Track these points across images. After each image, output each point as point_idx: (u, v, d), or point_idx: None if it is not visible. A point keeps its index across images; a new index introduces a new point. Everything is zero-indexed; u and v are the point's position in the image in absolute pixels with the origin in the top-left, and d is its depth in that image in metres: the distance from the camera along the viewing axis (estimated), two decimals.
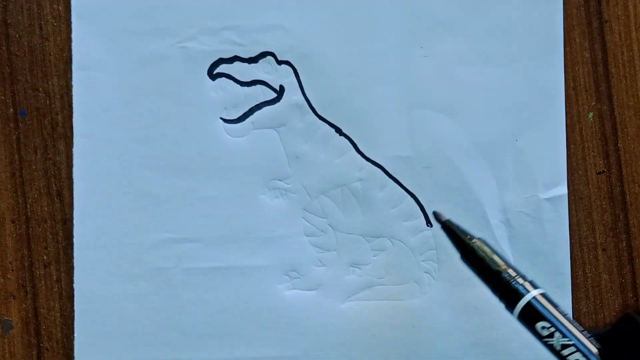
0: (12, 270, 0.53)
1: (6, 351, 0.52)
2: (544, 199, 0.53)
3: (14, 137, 0.53)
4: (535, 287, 0.45)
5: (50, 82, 0.53)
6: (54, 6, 0.53)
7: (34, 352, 0.52)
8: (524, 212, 0.53)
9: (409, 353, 0.52)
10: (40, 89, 0.53)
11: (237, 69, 0.53)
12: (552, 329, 0.44)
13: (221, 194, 0.53)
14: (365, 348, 0.52)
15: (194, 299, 0.52)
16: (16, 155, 0.53)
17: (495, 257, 0.46)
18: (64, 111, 0.53)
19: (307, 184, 0.53)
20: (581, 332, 0.44)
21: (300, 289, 0.53)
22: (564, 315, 0.44)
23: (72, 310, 0.52)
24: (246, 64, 0.53)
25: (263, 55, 0.53)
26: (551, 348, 0.44)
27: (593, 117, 0.53)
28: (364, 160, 0.53)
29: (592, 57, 0.53)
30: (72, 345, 0.52)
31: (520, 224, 0.53)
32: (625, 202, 0.53)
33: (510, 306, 0.45)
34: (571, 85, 0.53)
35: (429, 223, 0.53)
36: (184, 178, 0.53)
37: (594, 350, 0.43)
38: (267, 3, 0.53)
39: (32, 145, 0.53)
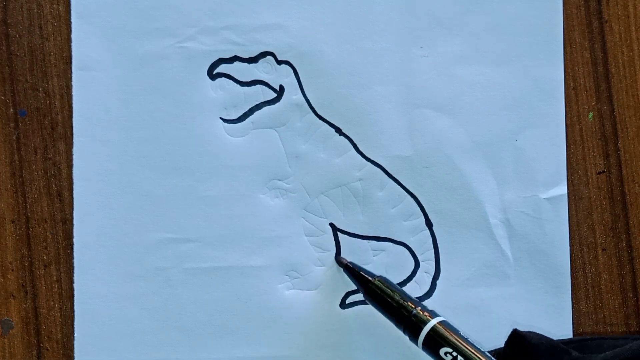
0: (12, 270, 0.53)
1: (6, 351, 0.52)
2: (544, 198, 0.53)
3: (14, 137, 0.53)
4: (435, 316, 0.48)
5: (50, 82, 0.53)
6: (54, 6, 0.53)
7: (34, 352, 0.52)
8: (523, 212, 0.53)
9: (409, 353, 0.52)
10: (40, 89, 0.53)
11: (237, 69, 0.53)
12: (455, 354, 0.47)
13: (221, 193, 0.53)
14: (365, 348, 0.52)
15: (194, 298, 0.52)
16: (16, 155, 0.53)
17: (396, 292, 0.49)
18: (64, 111, 0.53)
19: (307, 183, 0.53)
20: (483, 353, 0.47)
21: (300, 289, 0.53)
22: (465, 340, 0.47)
23: (72, 310, 0.52)
24: (246, 64, 0.53)
25: (263, 55, 0.53)
26: None
27: (593, 117, 0.53)
28: (363, 159, 0.53)
29: (592, 57, 0.53)
30: (72, 345, 0.52)
31: (520, 224, 0.53)
32: (625, 202, 0.53)
33: (414, 336, 0.48)
34: (571, 85, 0.53)
35: (428, 223, 0.53)
36: (184, 178, 0.53)
37: None
38: (267, 3, 0.53)
39: (32, 145, 0.53)
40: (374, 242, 0.53)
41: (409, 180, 0.53)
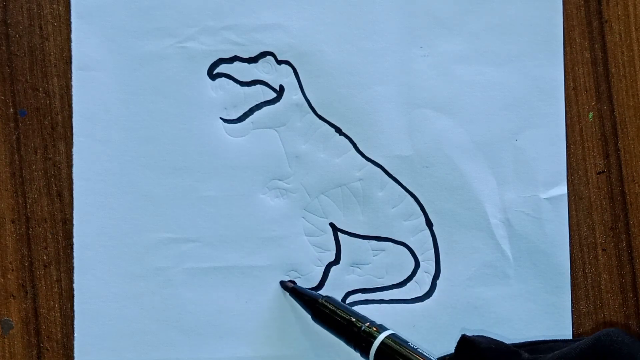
0: (12, 270, 0.53)
1: (6, 351, 0.52)
2: (544, 198, 0.53)
3: (14, 137, 0.53)
4: (384, 330, 0.49)
5: (50, 82, 0.53)
6: (54, 6, 0.53)
7: (34, 352, 0.52)
8: (524, 212, 0.53)
9: None
10: (40, 89, 0.53)
11: (237, 69, 0.53)
12: None
13: (221, 193, 0.53)
14: None
15: (194, 298, 0.52)
16: (16, 155, 0.53)
17: (343, 310, 0.50)
18: (64, 111, 0.53)
19: (307, 183, 0.53)
20: None
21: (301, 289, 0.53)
22: (415, 350, 0.48)
23: (72, 310, 0.52)
24: (246, 64, 0.53)
25: (263, 55, 0.53)
26: None
27: (593, 117, 0.53)
28: (363, 159, 0.53)
29: (592, 57, 0.53)
30: (72, 345, 0.52)
31: (520, 224, 0.53)
32: (625, 202, 0.53)
33: (365, 353, 0.48)
34: (571, 85, 0.53)
35: (429, 223, 0.53)
36: (184, 178, 0.53)
37: None
38: (267, 3, 0.53)
39: (32, 145, 0.53)
40: (374, 242, 0.53)
41: (409, 180, 0.53)
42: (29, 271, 0.53)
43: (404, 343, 0.48)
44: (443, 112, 0.53)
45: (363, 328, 0.49)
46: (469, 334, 0.49)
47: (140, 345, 0.52)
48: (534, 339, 0.51)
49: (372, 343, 0.48)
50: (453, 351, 0.49)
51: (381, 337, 0.48)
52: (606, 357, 0.46)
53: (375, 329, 0.49)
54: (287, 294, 0.52)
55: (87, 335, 0.52)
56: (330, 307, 0.50)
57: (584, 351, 0.46)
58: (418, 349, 0.48)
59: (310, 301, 0.51)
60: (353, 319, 0.49)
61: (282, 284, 0.52)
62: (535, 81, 0.53)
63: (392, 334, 0.48)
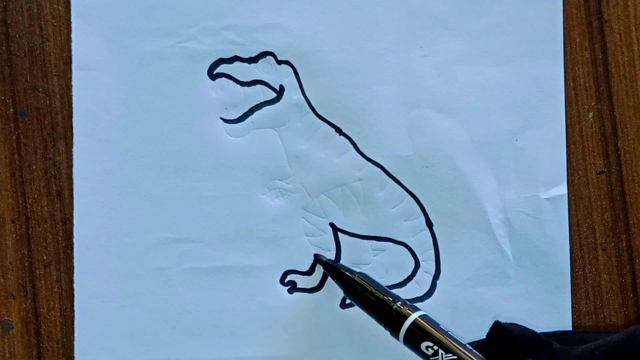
0: (12, 270, 0.53)
1: (6, 351, 0.52)
2: (544, 198, 0.53)
3: (14, 137, 0.53)
4: (415, 310, 0.48)
5: (50, 82, 0.53)
6: (54, 6, 0.53)
7: (34, 352, 0.52)
8: (524, 212, 0.53)
9: (409, 352, 0.52)
10: (40, 89, 0.53)
11: (237, 69, 0.53)
12: (436, 347, 0.47)
13: (221, 193, 0.53)
14: (365, 348, 0.52)
15: (194, 298, 0.52)
16: (16, 155, 0.53)
17: (376, 288, 0.49)
18: (64, 111, 0.53)
19: (307, 183, 0.53)
20: (464, 346, 0.47)
21: (301, 290, 0.53)
22: (445, 333, 0.47)
23: (72, 310, 0.52)
24: (246, 64, 0.53)
25: (263, 55, 0.53)
26: None
27: (593, 117, 0.53)
28: (364, 159, 0.53)
29: (592, 57, 0.53)
30: (72, 345, 0.52)
31: (520, 224, 0.53)
32: (625, 202, 0.53)
33: (395, 332, 0.48)
34: (571, 85, 0.53)
35: (429, 223, 0.53)
36: (184, 178, 0.53)
37: None
38: (267, 3, 0.53)
39: (32, 145, 0.53)
40: (374, 242, 0.53)
41: (409, 180, 0.53)
42: (29, 271, 0.53)
43: (435, 325, 0.48)
44: (443, 112, 0.53)
45: (395, 307, 0.48)
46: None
47: (140, 345, 0.52)
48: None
49: (402, 323, 0.48)
50: (484, 337, 0.49)
51: (412, 317, 0.48)
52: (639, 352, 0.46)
53: (407, 308, 0.48)
54: (287, 291, 0.52)
55: (87, 335, 0.52)
56: (364, 283, 0.50)
57: (617, 344, 0.46)
58: (449, 332, 0.48)
59: (344, 276, 0.50)
60: (385, 297, 0.49)
61: (316, 257, 0.52)
62: (535, 81, 0.53)
63: (424, 315, 0.48)
